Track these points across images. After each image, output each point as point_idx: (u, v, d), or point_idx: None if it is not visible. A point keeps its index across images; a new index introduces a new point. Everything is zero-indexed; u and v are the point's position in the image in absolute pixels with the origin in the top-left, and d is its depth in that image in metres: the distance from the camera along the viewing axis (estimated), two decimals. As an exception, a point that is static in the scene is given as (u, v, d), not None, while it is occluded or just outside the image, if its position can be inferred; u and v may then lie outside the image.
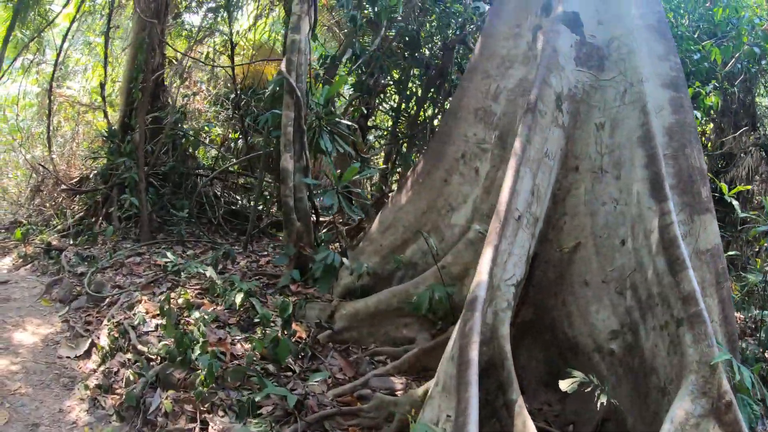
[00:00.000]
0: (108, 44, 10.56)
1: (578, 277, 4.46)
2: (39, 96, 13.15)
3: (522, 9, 5.60)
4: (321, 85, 7.64)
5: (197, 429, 3.64)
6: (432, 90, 9.16)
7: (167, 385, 4.09)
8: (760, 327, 5.77)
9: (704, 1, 8.41)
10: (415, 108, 9.46)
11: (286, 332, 4.69)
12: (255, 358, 4.37)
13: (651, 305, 3.86)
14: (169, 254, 6.74)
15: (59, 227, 8.74)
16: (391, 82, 9.54)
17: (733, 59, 8.35)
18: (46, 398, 4.32)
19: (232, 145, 11.65)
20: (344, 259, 5.33)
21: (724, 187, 5.37)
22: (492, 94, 5.49)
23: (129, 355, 4.65)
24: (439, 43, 8.85)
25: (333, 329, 5.05)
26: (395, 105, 10.20)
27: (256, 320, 5.00)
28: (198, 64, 11.18)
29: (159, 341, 4.69)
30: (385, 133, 11.51)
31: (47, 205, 9.84)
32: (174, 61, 10.81)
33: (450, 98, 9.38)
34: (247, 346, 4.69)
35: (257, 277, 6.36)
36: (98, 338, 5.10)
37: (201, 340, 4.31)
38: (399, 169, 10.39)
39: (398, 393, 4.19)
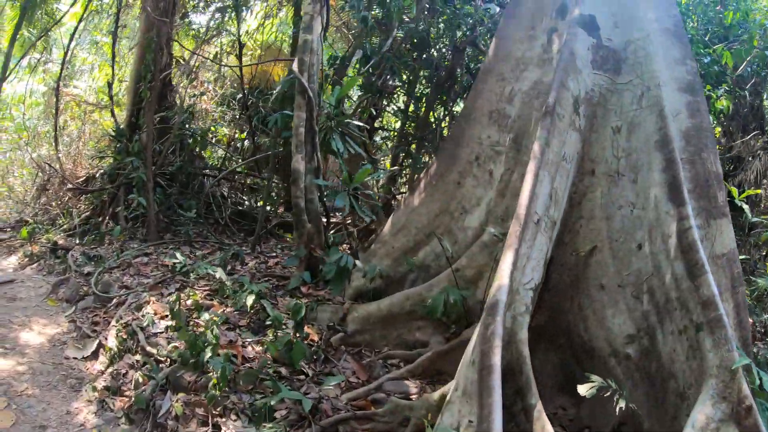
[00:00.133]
0: (115, 43, 10.53)
1: (594, 281, 4.44)
2: (45, 95, 13.17)
3: (537, 11, 5.57)
4: (330, 86, 7.60)
5: (209, 433, 3.60)
6: (441, 92, 9.12)
7: (178, 387, 4.06)
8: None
9: (715, 5, 8.38)
10: (423, 109, 9.42)
11: (298, 335, 4.66)
12: (267, 361, 4.34)
13: (669, 310, 3.85)
14: (178, 255, 6.71)
15: (65, 226, 8.70)
16: (399, 84, 9.50)
17: (744, 63, 8.31)
18: (54, 400, 4.27)
19: (239, 145, 11.62)
20: (357, 261, 5.29)
21: (734, 191, 5.33)
22: (506, 97, 5.46)
23: (138, 357, 4.61)
24: (449, 44, 8.81)
25: (345, 332, 5.01)
26: (402, 106, 10.17)
27: (268, 322, 4.95)
28: (206, 64, 11.15)
29: (168, 343, 4.67)
30: (393, 134, 11.47)
31: (53, 204, 9.80)
32: (182, 60, 10.79)
33: (459, 100, 9.37)
34: (259, 348, 4.66)
35: (266, 279, 6.32)
36: (106, 339, 5.06)
37: (213, 342, 4.28)
38: (407, 171, 10.35)
39: (413, 397, 4.17)
